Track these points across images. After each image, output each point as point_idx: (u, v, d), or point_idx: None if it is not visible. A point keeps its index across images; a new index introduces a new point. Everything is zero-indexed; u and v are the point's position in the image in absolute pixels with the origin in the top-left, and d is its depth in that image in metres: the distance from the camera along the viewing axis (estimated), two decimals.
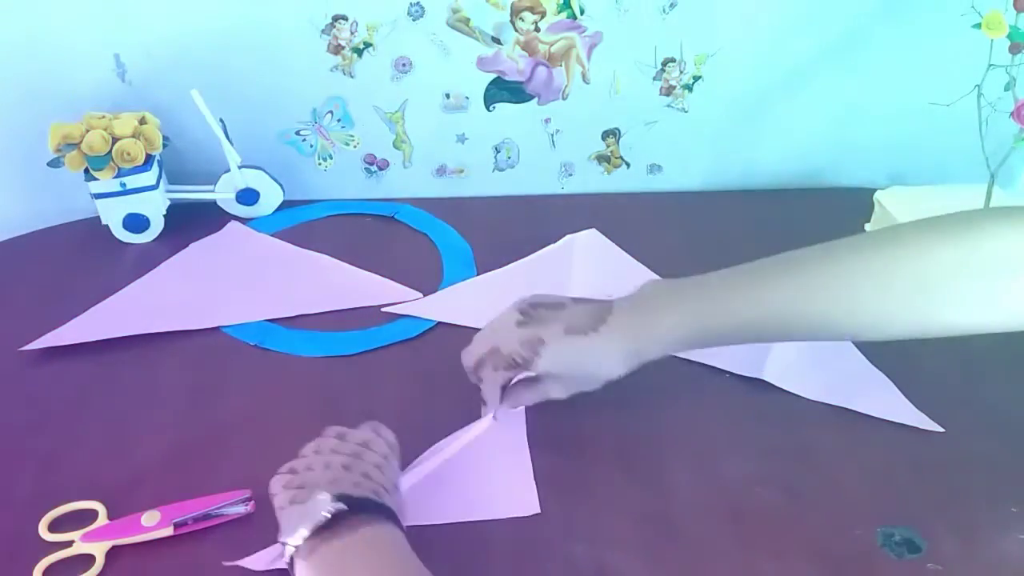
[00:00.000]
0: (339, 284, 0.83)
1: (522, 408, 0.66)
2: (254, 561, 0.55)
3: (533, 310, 0.61)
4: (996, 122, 0.78)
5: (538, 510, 0.60)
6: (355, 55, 0.87)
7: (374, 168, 0.96)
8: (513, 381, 0.64)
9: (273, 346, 0.75)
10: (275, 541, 0.53)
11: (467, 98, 0.91)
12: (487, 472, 0.63)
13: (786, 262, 0.58)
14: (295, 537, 0.48)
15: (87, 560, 0.56)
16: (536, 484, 0.62)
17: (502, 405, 0.64)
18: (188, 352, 0.74)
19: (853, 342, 0.73)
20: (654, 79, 0.91)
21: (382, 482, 0.53)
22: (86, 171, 0.83)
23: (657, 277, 0.79)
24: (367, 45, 0.87)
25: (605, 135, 0.95)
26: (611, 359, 0.59)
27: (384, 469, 0.54)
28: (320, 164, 0.95)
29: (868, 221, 0.91)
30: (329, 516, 0.48)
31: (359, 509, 0.49)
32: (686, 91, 0.92)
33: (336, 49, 0.87)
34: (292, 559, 0.48)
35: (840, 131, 0.96)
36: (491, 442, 0.64)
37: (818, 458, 0.65)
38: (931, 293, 0.53)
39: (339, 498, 0.49)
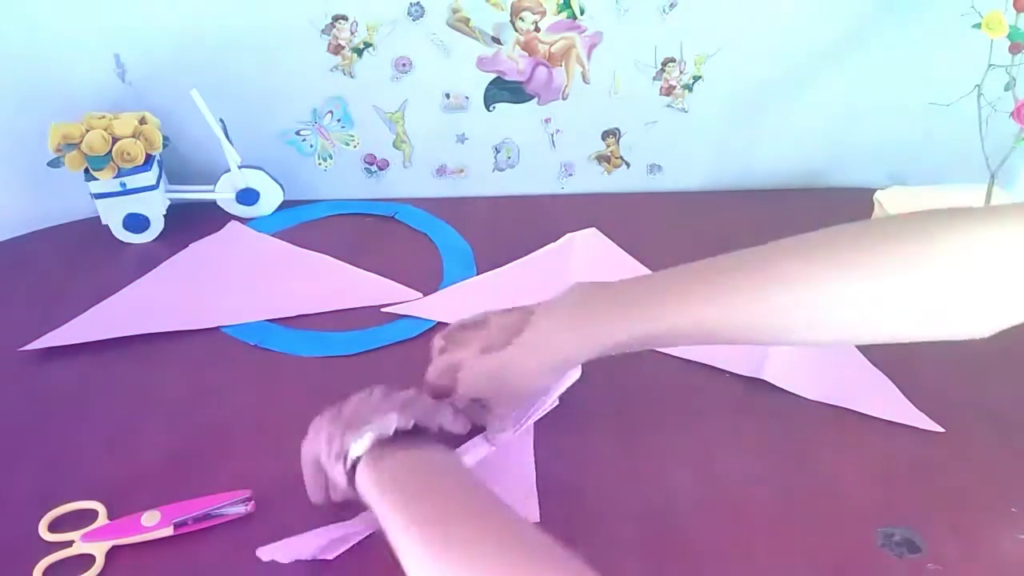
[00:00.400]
0: (339, 284, 0.83)
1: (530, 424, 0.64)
2: (282, 552, 0.54)
3: (457, 333, 0.60)
4: (996, 122, 0.78)
5: (537, 519, 0.59)
6: (355, 55, 0.87)
7: (374, 168, 0.96)
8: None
9: (273, 346, 0.75)
10: (275, 540, 0.54)
11: (467, 98, 0.91)
12: (490, 479, 0.62)
13: (718, 266, 0.55)
14: (360, 443, 0.49)
15: (87, 560, 0.56)
16: (537, 489, 0.62)
17: (485, 437, 0.61)
18: (188, 352, 0.74)
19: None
20: (654, 79, 0.91)
21: (442, 422, 0.54)
22: (86, 171, 0.83)
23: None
24: (367, 45, 0.87)
25: (605, 135, 0.95)
26: (530, 371, 0.56)
27: (435, 415, 0.55)
28: (320, 164, 0.95)
29: None
30: (392, 432, 0.49)
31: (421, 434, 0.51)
32: (686, 91, 0.92)
33: (336, 49, 0.87)
34: (354, 468, 0.50)
35: (840, 131, 0.96)
36: (499, 452, 0.62)
37: (818, 458, 0.65)
38: (874, 297, 0.50)
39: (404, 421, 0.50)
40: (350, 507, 0.54)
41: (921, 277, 0.50)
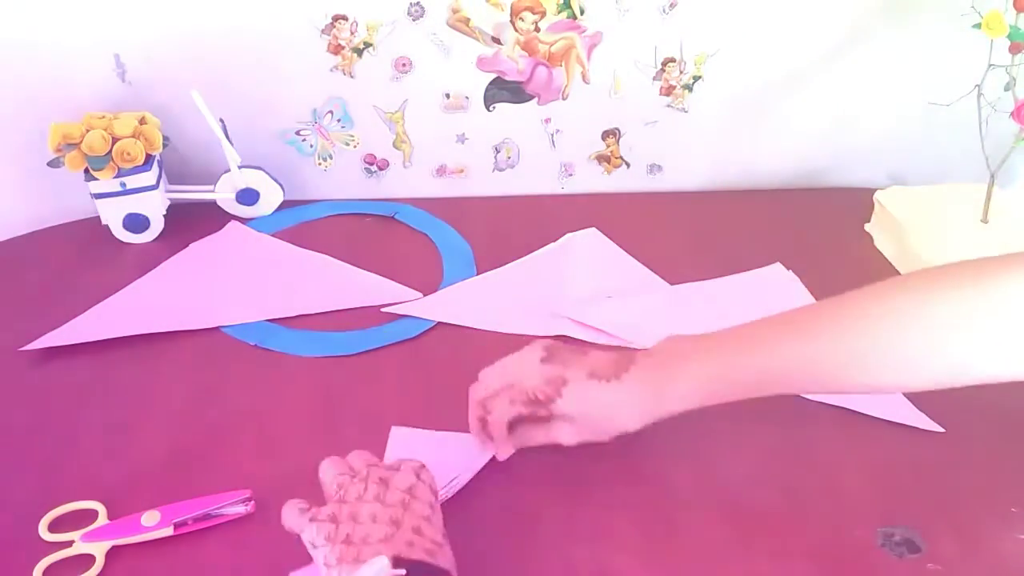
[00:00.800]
0: (339, 284, 0.83)
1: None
2: None
3: (556, 351, 0.60)
4: (996, 122, 0.78)
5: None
6: (355, 55, 0.87)
7: (374, 168, 0.96)
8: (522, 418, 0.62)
9: (273, 346, 0.75)
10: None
11: (467, 98, 0.91)
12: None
13: (804, 316, 0.58)
14: None
15: (87, 560, 0.56)
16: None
17: (509, 442, 0.62)
18: (188, 352, 0.74)
19: None
20: (654, 79, 0.91)
21: (433, 536, 0.49)
22: (86, 171, 0.83)
23: (662, 281, 0.80)
24: (367, 45, 0.87)
25: (605, 135, 0.95)
26: (630, 408, 0.58)
27: (432, 520, 0.50)
28: (320, 164, 0.95)
29: (868, 221, 0.91)
30: None
31: (416, 574, 0.46)
32: (686, 91, 0.92)
33: (336, 49, 0.87)
34: None
35: (840, 131, 0.96)
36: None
37: (818, 458, 0.65)
38: (949, 338, 0.52)
39: (396, 562, 0.46)
40: None
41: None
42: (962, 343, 0.52)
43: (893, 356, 0.54)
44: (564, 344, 0.62)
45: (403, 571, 0.45)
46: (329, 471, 0.53)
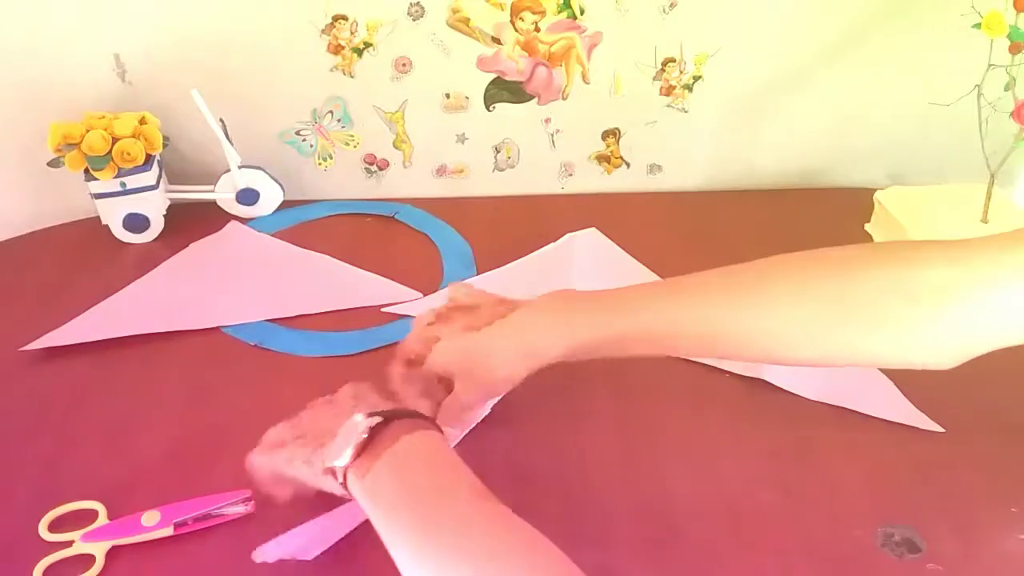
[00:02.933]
0: (339, 284, 0.83)
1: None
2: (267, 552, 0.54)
3: (447, 311, 0.62)
4: (996, 122, 0.78)
5: None
6: (355, 55, 0.87)
7: (374, 168, 0.96)
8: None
9: (273, 346, 0.75)
10: (275, 540, 0.54)
11: (467, 98, 0.91)
12: None
13: (691, 281, 0.57)
14: (342, 457, 0.49)
15: (87, 560, 0.56)
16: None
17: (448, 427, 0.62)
18: (188, 352, 0.74)
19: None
20: (654, 79, 0.91)
21: (401, 403, 0.55)
22: (86, 171, 0.83)
23: (656, 276, 0.79)
24: (367, 45, 0.87)
25: (605, 135, 0.95)
26: (500, 355, 0.58)
27: (393, 400, 0.56)
28: (320, 164, 0.95)
29: (868, 221, 0.91)
30: (367, 433, 0.49)
31: (393, 419, 0.50)
32: (686, 91, 0.92)
33: (336, 49, 0.87)
34: (346, 482, 0.49)
35: (840, 131, 0.96)
36: None
37: (818, 458, 0.65)
38: (855, 315, 0.51)
39: (372, 415, 0.50)
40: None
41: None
42: (862, 320, 0.51)
43: (792, 329, 0.53)
44: (466, 301, 0.63)
45: (379, 417, 0.49)
46: (279, 431, 0.57)
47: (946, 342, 0.50)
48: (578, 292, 0.59)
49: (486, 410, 0.65)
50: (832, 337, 0.52)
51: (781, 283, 0.54)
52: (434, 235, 0.90)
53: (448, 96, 0.91)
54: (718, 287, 0.56)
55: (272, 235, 0.89)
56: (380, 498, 0.48)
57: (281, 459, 0.54)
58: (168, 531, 0.57)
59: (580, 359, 0.57)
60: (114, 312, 0.78)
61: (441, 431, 0.52)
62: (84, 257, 0.86)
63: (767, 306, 0.53)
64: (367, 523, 0.50)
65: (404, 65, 0.88)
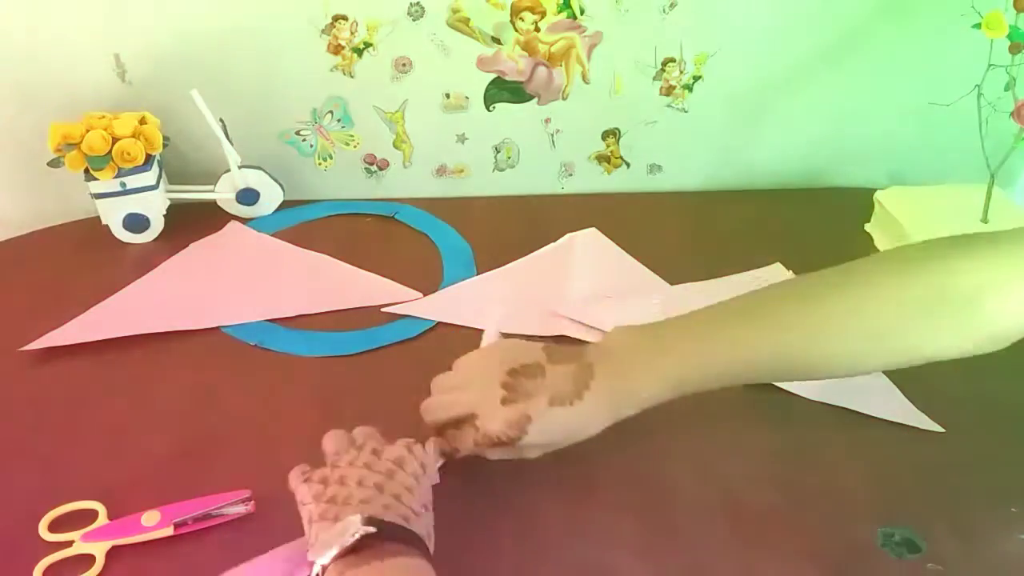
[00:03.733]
0: (339, 284, 0.83)
1: None
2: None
3: (515, 381, 0.58)
4: (996, 122, 0.78)
5: None
6: (355, 55, 0.87)
7: (374, 168, 0.96)
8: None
9: (273, 346, 0.75)
10: (275, 540, 0.54)
11: (467, 98, 0.91)
12: None
13: (758, 306, 0.58)
14: (324, 556, 0.47)
15: (87, 560, 0.56)
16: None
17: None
18: (188, 352, 0.74)
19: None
20: (654, 79, 0.91)
21: (411, 505, 0.51)
22: (86, 171, 0.83)
23: (662, 281, 0.79)
24: (367, 45, 0.87)
25: (605, 135, 0.95)
26: (595, 422, 0.58)
27: (414, 491, 0.53)
28: (320, 164, 0.95)
29: (868, 221, 0.91)
30: (357, 539, 0.47)
31: (388, 535, 0.48)
32: (686, 91, 0.92)
33: (336, 49, 0.87)
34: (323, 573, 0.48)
35: (840, 131, 0.96)
36: None
37: (818, 458, 0.65)
38: (904, 331, 0.55)
39: (369, 521, 0.48)
40: None
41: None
42: (912, 334, 0.56)
43: (849, 349, 0.57)
44: (520, 367, 0.59)
45: (373, 528, 0.47)
46: (332, 440, 0.56)
47: (995, 333, 0.56)
48: (642, 328, 0.60)
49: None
50: (894, 346, 0.56)
51: (840, 302, 0.57)
52: (434, 235, 0.90)
53: (448, 96, 0.91)
54: (792, 315, 0.58)
55: (272, 235, 0.89)
56: None
57: (301, 506, 0.53)
58: (168, 531, 0.57)
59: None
60: (114, 312, 0.78)
61: (430, 560, 0.50)
62: (84, 257, 0.86)
63: (832, 328, 0.57)
64: None
65: (404, 65, 0.88)
